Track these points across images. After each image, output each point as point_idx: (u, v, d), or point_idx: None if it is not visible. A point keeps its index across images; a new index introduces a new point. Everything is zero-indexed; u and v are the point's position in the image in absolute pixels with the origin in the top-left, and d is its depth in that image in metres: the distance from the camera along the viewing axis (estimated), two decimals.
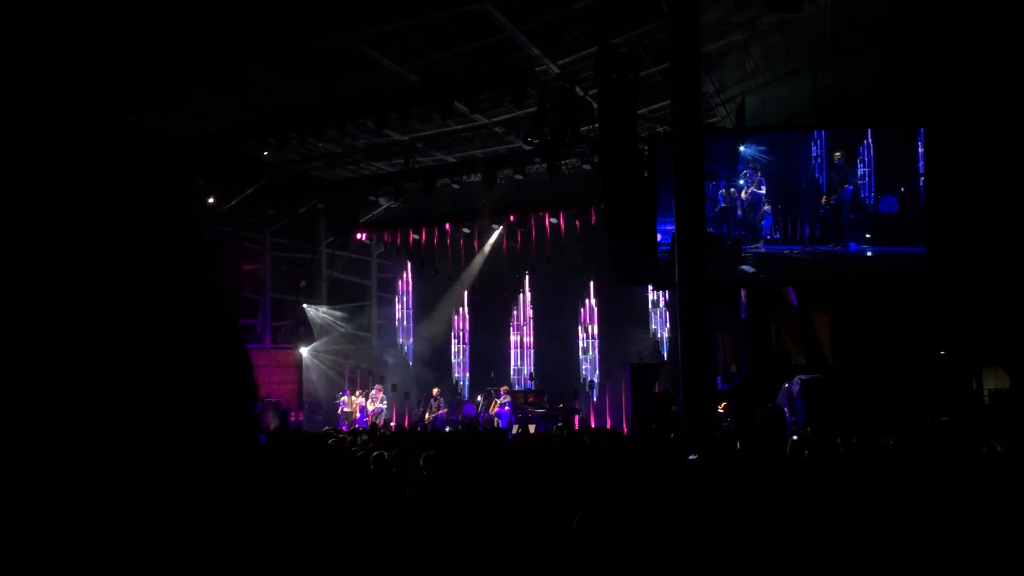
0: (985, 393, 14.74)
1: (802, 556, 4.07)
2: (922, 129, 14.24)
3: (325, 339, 23.06)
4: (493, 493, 4.98)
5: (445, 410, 20.16)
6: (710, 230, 13.35)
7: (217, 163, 17.65)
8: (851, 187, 14.37)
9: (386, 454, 6.57)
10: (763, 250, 14.62)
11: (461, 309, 23.51)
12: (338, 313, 23.61)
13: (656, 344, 20.41)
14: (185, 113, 16.20)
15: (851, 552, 3.83)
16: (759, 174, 14.66)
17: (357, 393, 20.85)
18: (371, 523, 4.15)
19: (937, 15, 11.92)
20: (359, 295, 24.54)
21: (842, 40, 13.22)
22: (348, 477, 5.40)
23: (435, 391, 20.51)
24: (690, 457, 6.41)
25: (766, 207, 14.66)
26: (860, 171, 14.35)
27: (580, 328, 21.70)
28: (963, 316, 14.49)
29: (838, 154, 14.40)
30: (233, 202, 19.99)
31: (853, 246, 14.31)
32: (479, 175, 18.37)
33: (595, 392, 20.99)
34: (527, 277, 22.31)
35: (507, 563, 3.89)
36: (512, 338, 22.72)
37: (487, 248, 22.11)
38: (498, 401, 19.54)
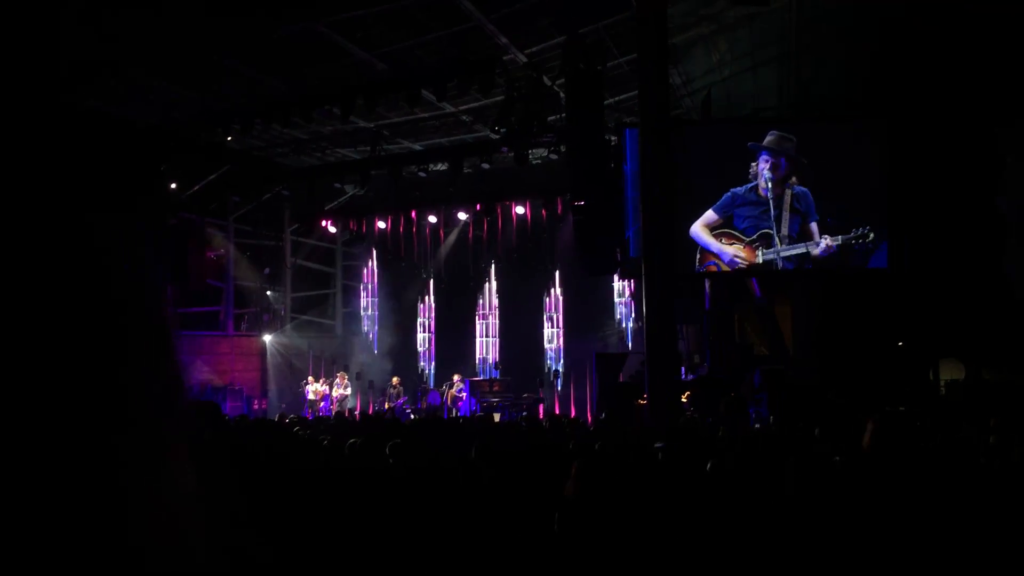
0: (941, 384, 15.02)
1: (765, 547, 4.13)
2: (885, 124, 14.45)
3: (289, 326, 22.91)
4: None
5: (404, 399, 20.15)
6: None
7: (180, 149, 17.43)
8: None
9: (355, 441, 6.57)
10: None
11: (427, 298, 23.47)
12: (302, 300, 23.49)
13: (621, 334, 20.53)
14: (149, 101, 15.97)
15: (812, 544, 3.90)
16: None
17: (321, 381, 20.76)
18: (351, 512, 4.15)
19: (902, 9, 12.09)
20: (324, 283, 24.40)
21: (807, 35, 13.37)
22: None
23: (394, 380, 20.52)
24: (656, 445, 6.48)
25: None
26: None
27: (545, 318, 21.76)
28: (921, 308, 14.75)
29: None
30: (196, 188, 19.75)
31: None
32: (446, 163, 18.33)
33: (559, 381, 21.07)
34: (493, 266, 22.31)
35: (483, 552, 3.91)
36: (477, 327, 22.72)
37: (453, 237, 22.08)
38: (452, 392, 19.58)
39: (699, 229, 14.70)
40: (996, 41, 12.36)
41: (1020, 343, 13.42)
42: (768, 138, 14.54)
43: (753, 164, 14.57)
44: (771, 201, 14.50)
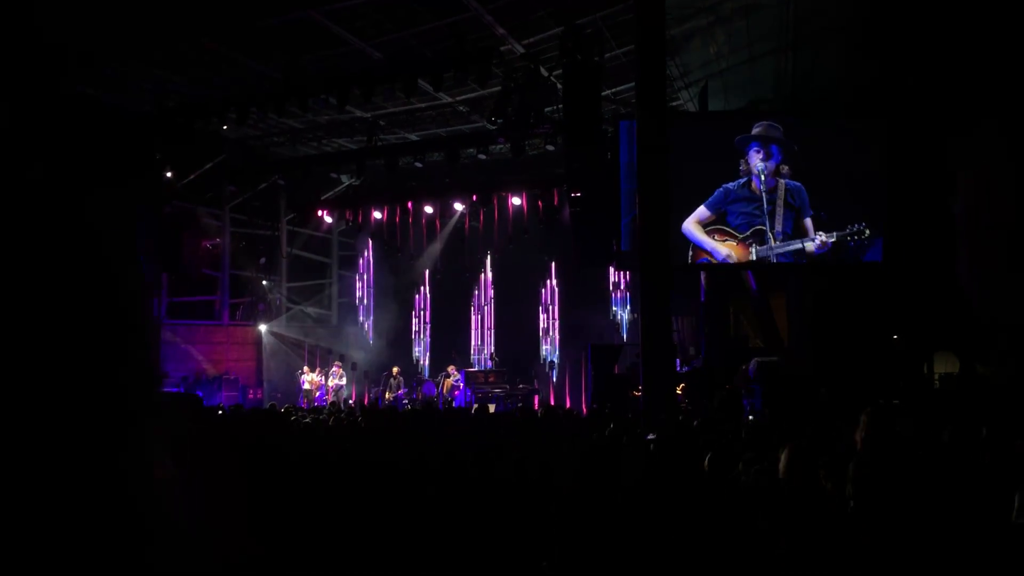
0: (936, 377, 15.05)
1: (757, 538, 4.14)
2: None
3: (285, 316, 22.89)
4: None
5: (404, 390, 20.12)
6: None
7: (175, 138, 17.34)
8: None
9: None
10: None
11: (422, 288, 23.45)
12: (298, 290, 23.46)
13: (616, 326, 20.53)
14: (145, 88, 15.90)
15: (808, 537, 3.91)
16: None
17: (317, 371, 20.75)
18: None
19: (896, 6, 12.08)
20: (320, 273, 24.36)
21: (805, 28, 13.33)
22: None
23: (394, 370, 20.46)
24: (648, 436, 6.49)
25: None
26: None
27: (541, 309, 21.75)
28: (915, 302, 14.77)
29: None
30: (191, 177, 19.69)
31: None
32: (442, 154, 18.27)
33: (555, 373, 21.08)
34: (488, 257, 22.30)
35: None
36: (473, 318, 22.72)
37: (449, 227, 22.04)
38: (449, 381, 19.56)
39: (692, 226, 14.47)
40: (963, 47, 12.41)
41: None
42: (756, 129, 14.41)
43: (743, 160, 14.43)
44: (764, 196, 14.37)
